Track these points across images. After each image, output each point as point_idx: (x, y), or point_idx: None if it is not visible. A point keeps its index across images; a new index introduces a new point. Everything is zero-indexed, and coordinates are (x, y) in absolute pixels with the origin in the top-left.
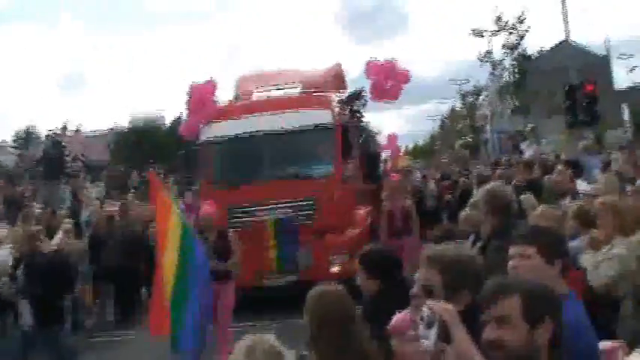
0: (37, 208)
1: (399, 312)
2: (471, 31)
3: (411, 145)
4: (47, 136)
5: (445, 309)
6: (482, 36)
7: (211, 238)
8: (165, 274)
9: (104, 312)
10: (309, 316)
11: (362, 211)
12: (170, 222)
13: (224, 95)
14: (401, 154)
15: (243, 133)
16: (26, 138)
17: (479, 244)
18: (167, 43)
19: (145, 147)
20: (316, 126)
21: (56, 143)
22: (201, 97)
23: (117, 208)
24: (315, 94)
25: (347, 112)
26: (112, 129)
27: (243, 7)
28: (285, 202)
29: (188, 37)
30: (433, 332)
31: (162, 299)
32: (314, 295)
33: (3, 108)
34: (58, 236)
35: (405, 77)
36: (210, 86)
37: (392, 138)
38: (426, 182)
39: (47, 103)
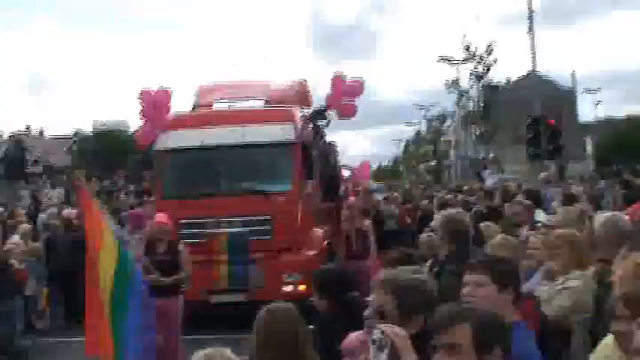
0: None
1: (351, 332)
2: (439, 58)
3: (374, 167)
4: (10, 137)
5: (397, 333)
6: (450, 62)
7: (160, 250)
8: (101, 291)
9: (57, 314)
10: (257, 334)
11: (319, 232)
12: (103, 237)
13: (184, 105)
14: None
15: (200, 144)
16: None
17: (435, 269)
18: (137, 50)
19: (106, 153)
20: (277, 141)
21: (18, 145)
22: (154, 103)
23: (75, 212)
24: (277, 108)
25: (309, 129)
26: (75, 133)
27: (216, 19)
28: (240, 218)
29: (158, 45)
30: (384, 356)
31: (98, 316)
32: (264, 312)
33: None
34: (15, 237)
35: (355, 90)
36: (164, 93)
37: (365, 165)
38: (387, 204)
39: (10, 104)
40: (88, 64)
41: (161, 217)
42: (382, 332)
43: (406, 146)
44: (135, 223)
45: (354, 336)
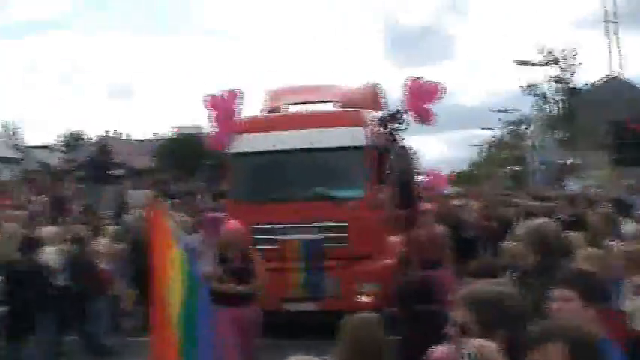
0: (81, 210)
1: (432, 345)
2: (517, 61)
3: (448, 171)
4: (96, 142)
5: (489, 348)
6: (528, 64)
7: (233, 257)
8: (170, 310)
9: (142, 314)
10: (342, 342)
11: (395, 239)
12: (169, 255)
13: (253, 109)
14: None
15: (273, 148)
16: (73, 141)
17: (518, 280)
18: (213, 56)
19: (186, 156)
20: (350, 145)
21: (103, 148)
22: (224, 106)
23: None
24: (351, 110)
25: (383, 133)
26: (156, 138)
27: (288, 25)
28: (314, 224)
29: (234, 50)
30: None
31: (165, 332)
32: (349, 321)
33: (52, 112)
34: (101, 239)
35: (433, 93)
36: (233, 95)
37: (441, 174)
38: (465, 210)
39: (94, 109)
40: (167, 70)
41: (234, 223)
42: (474, 347)
43: (487, 150)
44: (211, 228)
45: (440, 349)
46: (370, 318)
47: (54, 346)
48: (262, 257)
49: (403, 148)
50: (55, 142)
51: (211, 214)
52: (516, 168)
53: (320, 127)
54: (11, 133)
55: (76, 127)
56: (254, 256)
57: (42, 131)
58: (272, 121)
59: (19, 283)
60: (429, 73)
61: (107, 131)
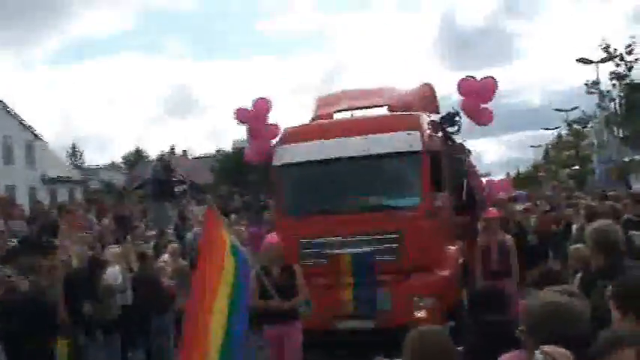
0: (145, 228)
1: (501, 355)
2: (577, 59)
3: (512, 173)
4: (157, 158)
5: (562, 353)
6: (589, 63)
7: (275, 272)
8: (213, 322)
9: None
10: (409, 355)
11: (453, 249)
12: (223, 264)
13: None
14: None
15: (320, 157)
16: (135, 160)
17: (585, 283)
18: (269, 68)
19: (244, 172)
20: (403, 151)
21: (166, 165)
22: (254, 116)
23: None
24: (402, 114)
25: (438, 137)
26: (217, 152)
27: (342, 31)
28: (365, 237)
29: (290, 61)
30: None
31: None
32: (415, 334)
33: (115, 131)
34: (165, 256)
35: (488, 89)
36: (264, 102)
37: (503, 180)
38: (527, 215)
39: (156, 126)
40: (226, 86)
41: (273, 237)
42: (545, 353)
43: (546, 151)
44: (253, 243)
45: (509, 356)
46: (438, 329)
47: None
48: (312, 273)
49: (461, 151)
50: (118, 162)
51: (253, 229)
52: (577, 167)
53: (371, 132)
54: (74, 153)
55: (137, 146)
56: (296, 271)
57: (104, 152)
58: (320, 129)
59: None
60: (491, 74)
61: (172, 147)
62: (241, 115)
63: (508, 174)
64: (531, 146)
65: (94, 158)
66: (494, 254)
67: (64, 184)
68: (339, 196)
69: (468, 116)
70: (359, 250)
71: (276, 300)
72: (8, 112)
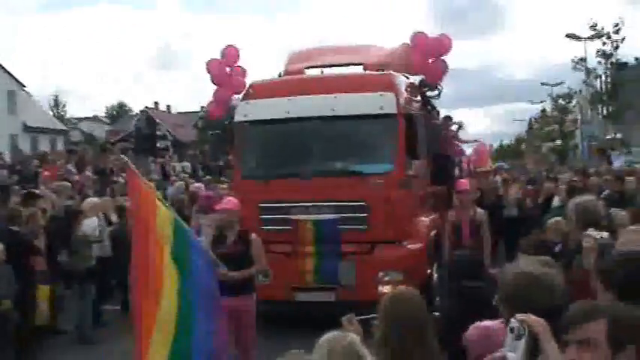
0: (125, 182)
1: (475, 321)
2: (565, 35)
3: (496, 145)
4: (141, 112)
5: (537, 321)
6: (577, 39)
7: (229, 240)
8: (159, 294)
9: None
10: (383, 315)
11: (425, 221)
12: (156, 218)
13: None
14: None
15: (284, 115)
16: (118, 113)
17: (564, 258)
18: (259, 27)
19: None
20: (374, 113)
21: (148, 120)
22: (223, 63)
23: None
24: (376, 74)
25: (416, 100)
26: (201, 108)
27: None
28: (330, 202)
29: (276, 22)
30: (522, 345)
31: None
32: (389, 298)
33: (98, 84)
34: None
35: (443, 46)
36: (233, 50)
37: (482, 151)
38: (506, 187)
39: (139, 81)
40: (212, 42)
41: (230, 201)
42: (520, 321)
43: (530, 125)
44: (202, 205)
45: (486, 323)
46: (411, 292)
47: (95, 315)
48: (272, 240)
49: (441, 117)
50: (100, 115)
51: (205, 192)
52: (560, 143)
53: (341, 91)
54: (56, 104)
55: (121, 100)
56: (252, 239)
57: (87, 103)
58: (286, 85)
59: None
60: (478, 46)
61: (156, 103)
62: (212, 67)
63: (489, 145)
64: (515, 119)
65: (76, 110)
66: (465, 229)
67: (45, 134)
68: (303, 158)
69: (418, 72)
70: (323, 216)
71: (224, 270)
72: None
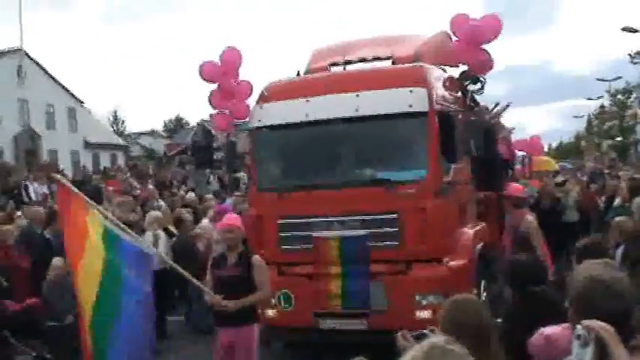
0: (185, 194)
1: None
2: (621, 29)
3: (554, 144)
4: (198, 124)
5: (604, 328)
6: (635, 32)
7: (230, 262)
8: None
9: None
10: (444, 322)
11: (468, 233)
12: (85, 244)
13: None
14: (542, 156)
15: (302, 118)
16: (175, 126)
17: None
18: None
19: None
20: (404, 111)
21: (206, 132)
22: (226, 72)
23: None
24: (404, 67)
25: (455, 95)
26: None
27: None
28: (357, 217)
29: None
30: (589, 352)
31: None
32: (449, 303)
33: (156, 98)
34: (205, 221)
35: (494, 28)
36: (234, 55)
37: (535, 141)
38: (566, 189)
39: (195, 94)
40: (269, 54)
41: (231, 217)
42: (586, 327)
43: (589, 122)
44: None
45: (552, 329)
46: (470, 298)
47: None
48: (293, 260)
49: (486, 115)
50: (158, 129)
51: (220, 205)
52: (620, 139)
53: (366, 89)
54: (115, 120)
55: (178, 113)
56: (255, 262)
57: (146, 118)
58: (305, 85)
59: None
60: (531, 42)
61: (211, 115)
62: (208, 72)
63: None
64: (574, 117)
65: (135, 125)
66: (508, 239)
67: (105, 150)
68: (325, 167)
69: (459, 63)
70: (349, 233)
71: (217, 297)
72: (51, 78)
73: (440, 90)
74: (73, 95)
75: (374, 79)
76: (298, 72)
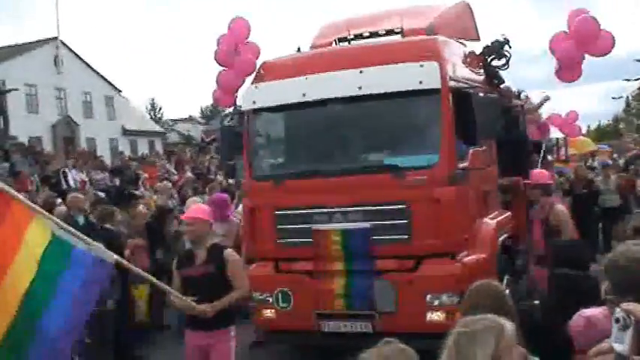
0: (222, 180)
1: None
2: None
3: (594, 126)
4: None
5: None
6: None
7: (199, 259)
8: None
9: None
10: (463, 306)
11: (489, 223)
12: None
13: None
14: (580, 137)
15: (299, 98)
16: (212, 112)
17: None
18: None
19: None
20: (415, 89)
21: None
22: (230, 39)
23: None
24: (414, 40)
25: (474, 71)
26: None
27: None
28: (361, 207)
29: None
30: (628, 335)
31: None
32: (474, 286)
33: (193, 85)
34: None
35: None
36: (242, 22)
37: (572, 117)
38: (606, 173)
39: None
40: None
41: (198, 209)
42: (626, 311)
43: (627, 103)
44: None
45: (591, 311)
46: (497, 284)
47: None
48: (291, 256)
49: (510, 94)
50: (195, 115)
51: (217, 195)
52: None
53: (371, 64)
54: (153, 107)
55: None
56: (228, 257)
57: (183, 104)
58: (304, 62)
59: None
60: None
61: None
62: (223, 44)
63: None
64: (613, 97)
65: (171, 112)
66: (536, 232)
67: (143, 137)
68: (326, 152)
69: (562, 64)
70: (353, 225)
71: (181, 299)
72: (88, 66)
73: (457, 65)
74: (110, 83)
75: (380, 53)
76: (299, 48)
